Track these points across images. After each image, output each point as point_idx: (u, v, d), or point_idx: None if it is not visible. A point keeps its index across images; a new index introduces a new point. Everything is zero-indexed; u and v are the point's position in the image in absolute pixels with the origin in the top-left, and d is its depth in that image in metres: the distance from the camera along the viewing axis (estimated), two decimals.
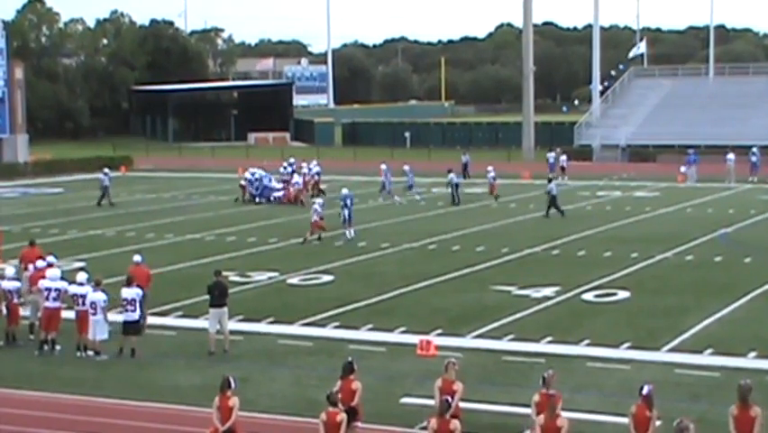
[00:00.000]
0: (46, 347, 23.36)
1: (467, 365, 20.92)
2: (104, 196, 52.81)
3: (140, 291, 23.29)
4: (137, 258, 26.25)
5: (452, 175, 51.82)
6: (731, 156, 61.36)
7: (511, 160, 78.75)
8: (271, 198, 52.68)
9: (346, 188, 43.04)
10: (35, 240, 30.32)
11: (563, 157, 65.13)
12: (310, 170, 57.40)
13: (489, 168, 54.29)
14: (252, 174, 54.20)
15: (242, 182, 54.42)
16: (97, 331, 22.89)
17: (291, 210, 49.56)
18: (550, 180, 47.04)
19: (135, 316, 23.02)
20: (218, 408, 15.76)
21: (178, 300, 28.36)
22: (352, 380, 16.34)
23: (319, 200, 41.96)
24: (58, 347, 23.40)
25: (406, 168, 56.00)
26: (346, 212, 40.28)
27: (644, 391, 14.77)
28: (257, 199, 52.73)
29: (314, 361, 22.45)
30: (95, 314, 22.87)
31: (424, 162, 69.18)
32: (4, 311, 24.57)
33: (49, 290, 23.54)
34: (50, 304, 23.44)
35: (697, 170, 61.36)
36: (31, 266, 26.30)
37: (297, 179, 54.18)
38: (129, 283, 23.48)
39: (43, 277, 24.17)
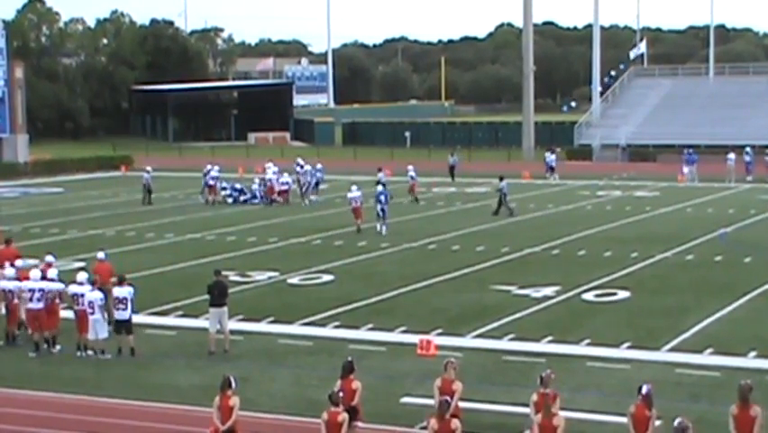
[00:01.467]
0: (46, 346, 23.39)
1: (467, 365, 20.93)
2: (148, 194, 52.91)
3: (130, 290, 23.29)
4: (100, 255, 26.59)
5: (381, 174, 51.90)
6: (731, 156, 61.41)
7: (511, 159, 78.77)
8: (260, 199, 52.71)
9: (381, 185, 43.95)
10: (11, 239, 30.21)
11: (552, 156, 65.33)
12: (303, 168, 56.96)
13: (410, 167, 54.27)
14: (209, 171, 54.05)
15: (211, 182, 53.72)
16: (98, 330, 22.91)
17: (291, 210, 49.58)
18: (501, 179, 46.98)
19: (126, 315, 23.03)
20: (218, 407, 15.76)
21: (178, 300, 28.38)
22: (352, 379, 16.34)
23: (354, 187, 42.58)
24: (58, 347, 23.42)
25: (319, 166, 55.78)
26: (379, 207, 41.24)
27: (644, 390, 14.76)
28: (239, 199, 52.72)
29: (314, 360, 22.45)
30: (93, 313, 22.88)
31: (424, 162, 69.14)
32: (3, 311, 24.58)
33: (32, 291, 23.53)
34: (32, 305, 23.42)
35: (691, 170, 61.33)
36: (7, 264, 26.32)
37: (269, 175, 53.63)
38: (120, 283, 23.45)
39: (26, 278, 24.16)
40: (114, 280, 24.33)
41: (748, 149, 63.45)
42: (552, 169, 64.15)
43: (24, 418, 18.87)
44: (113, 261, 34.09)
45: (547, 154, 65.85)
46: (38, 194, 59.84)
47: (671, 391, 19.44)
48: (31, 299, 23.49)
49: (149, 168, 55.09)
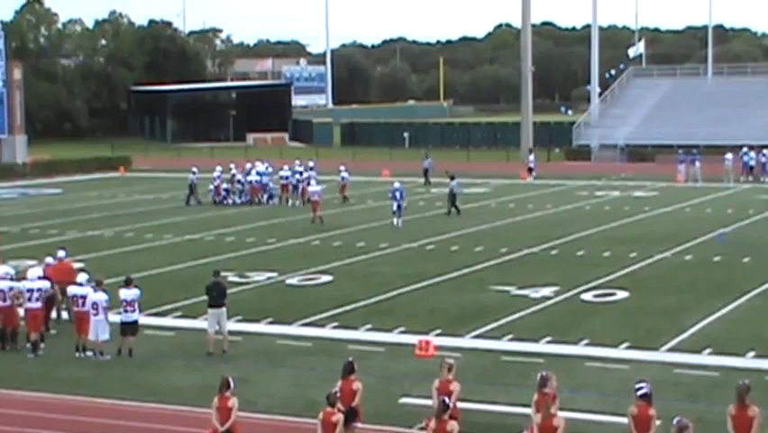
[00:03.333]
0: (43, 345, 23.43)
1: (466, 365, 20.93)
2: (191, 194, 53.17)
3: (138, 292, 23.32)
4: (61, 253, 26.59)
5: (311, 172, 52.41)
6: (729, 156, 61.57)
7: (510, 160, 78.71)
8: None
9: (397, 181, 45.25)
10: None
11: (531, 157, 65.57)
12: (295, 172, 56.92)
13: (342, 167, 54.63)
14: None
15: (216, 182, 54.22)
16: (99, 331, 22.93)
17: (292, 211, 49.56)
18: (452, 178, 46.99)
19: (134, 316, 23.08)
20: (217, 408, 15.75)
21: (176, 301, 28.37)
22: (352, 380, 16.33)
23: (314, 182, 43.15)
24: (42, 345, 23.41)
25: (311, 164, 55.98)
26: (395, 204, 43.01)
27: (645, 390, 14.72)
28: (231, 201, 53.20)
29: (313, 361, 22.44)
30: (96, 314, 22.91)
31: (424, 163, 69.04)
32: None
33: (31, 291, 23.59)
34: (32, 305, 23.48)
35: (694, 171, 61.43)
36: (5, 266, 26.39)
37: (252, 177, 53.81)
38: (128, 284, 23.47)
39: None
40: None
41: (746, 149, 63.58)
42: (530, 170, 64.50)
43: (23, 419, 18.86)
44: (111, 261, 34.32)
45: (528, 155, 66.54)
46: (36, 195, 59.78)
47: (669, 392, 19.45)
48: (30, 299, 23.55)
49: (195, 168, 55.27)
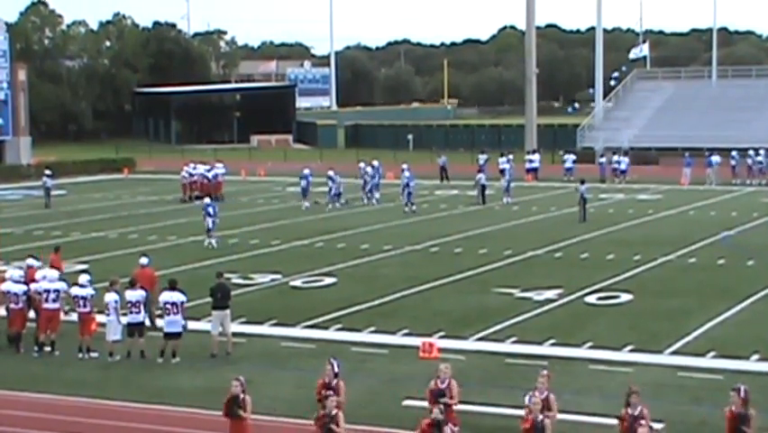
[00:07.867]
0: (47, 348, 23.45)
1: (469, 368, 20.95)
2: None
3: (143, 293, 23.34)
4: (143, 260, 26.41)
5: (306, 171, 52.74)
6: (719, 159, 62.00)
7: (514, 162, 78.44)
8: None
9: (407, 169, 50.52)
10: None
11: (535, 156, 67.70)
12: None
13: (218, 164, 57.46)
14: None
15: (185, 181, 56.03)
16: (110, 332, 22.96)
17: (294, 212, 49.55)
18: (582, 182, 46.22)
19: (140, 317, 23.12)
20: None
21: None
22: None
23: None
24: (56, 352, 23.41)
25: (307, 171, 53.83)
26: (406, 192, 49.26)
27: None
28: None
29: (316, 363, 22.36)
30: (108, 315, 22.95)
31: (426, 165, 69.07)
32: (4, 312, 24.68)
33: (48, 291, 23.65)
34: (49, 306, 23.55)
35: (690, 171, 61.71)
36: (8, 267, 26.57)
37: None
38: (132, 285, 23.53)
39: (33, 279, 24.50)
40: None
41: (751, 152, 63.56)
42: (533, 171, 64.94)
43: (26, 420, 18.88)
44: (116, 263, 34.32)
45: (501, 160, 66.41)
46: (41, 196, 59.76)
47: (673, 395, 19.44)
48: (46, 300, 23.59)
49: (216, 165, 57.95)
